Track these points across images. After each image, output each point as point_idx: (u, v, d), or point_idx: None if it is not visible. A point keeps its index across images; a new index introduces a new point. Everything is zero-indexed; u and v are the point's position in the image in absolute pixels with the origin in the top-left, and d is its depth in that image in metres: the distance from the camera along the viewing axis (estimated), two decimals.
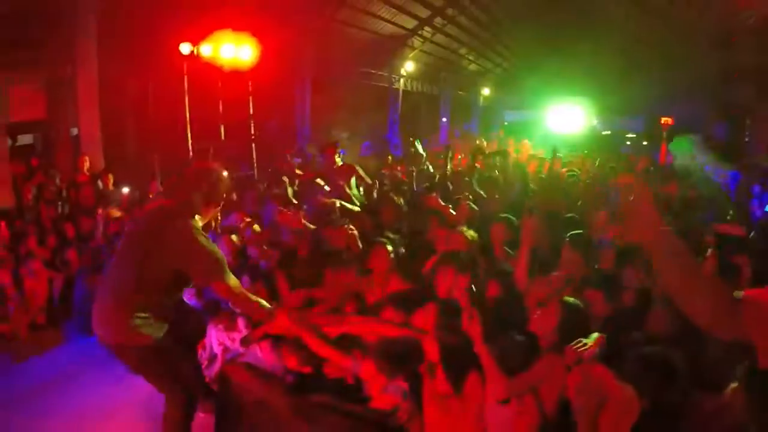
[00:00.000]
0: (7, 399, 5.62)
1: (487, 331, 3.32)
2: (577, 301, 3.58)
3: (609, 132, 25.07)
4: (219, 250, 3.71)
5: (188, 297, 5.30)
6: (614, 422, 2.81)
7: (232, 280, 3.68)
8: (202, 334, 5.66)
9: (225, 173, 3.97)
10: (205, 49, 11.22)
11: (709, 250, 4.45)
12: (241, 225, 6.57)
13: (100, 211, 8.83)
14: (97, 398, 5.47)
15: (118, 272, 3.62)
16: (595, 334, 3.18)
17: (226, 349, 5.44)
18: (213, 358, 5.68)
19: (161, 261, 3.51)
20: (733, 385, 2.92)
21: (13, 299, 7.45)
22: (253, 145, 13.97)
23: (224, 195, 3.95)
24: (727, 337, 1.91)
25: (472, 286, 3.98)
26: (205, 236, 3.66)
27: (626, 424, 2.80)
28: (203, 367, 5.37)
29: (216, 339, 5.47)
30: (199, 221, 3.73)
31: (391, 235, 5.20)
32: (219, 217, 4.82)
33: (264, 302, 3.88)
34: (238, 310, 4.35)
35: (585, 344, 3.06)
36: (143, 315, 3.52)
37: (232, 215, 6.78)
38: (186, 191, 3.77)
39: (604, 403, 2.84)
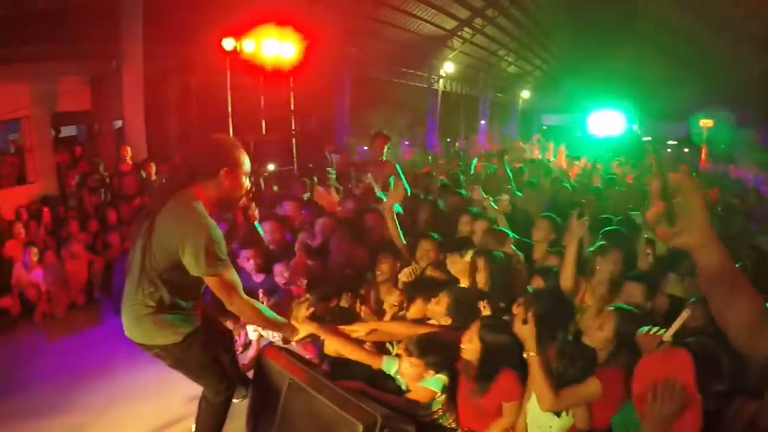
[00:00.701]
0: (43, 375, 5.76)
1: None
2: (633, 309, 3.47)
3: (649, 138, 24.62)
4: (221, 238, 3.22)
5: None
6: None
7: (233, 277, 3.28)
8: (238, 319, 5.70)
9: (231, 145, 3.41)
10: (248, 45, 11.33)
11: None
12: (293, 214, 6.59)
13: (139, 200, 9.01)
14: (132, 379, 5.54)
15: (132, 270, 3.33)
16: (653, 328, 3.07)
17: (261, 336, 5.49)
18: (247, 344, 5.75)
19: (163, 252, 3.16)
20: None
21: (54, 280, 7.63)
22: (294, 140, 14.06)
23: (219, 165, 3.29)
24: (764, 353, 1.76)
25: (528, 286, 3.91)
26: (205, 217, 3.17)
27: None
28: (238, 353, 5.42)
29: (251, 325, 5.51)
30: (201, 206, 3.22)
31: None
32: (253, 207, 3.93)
33: (270, 312, 3.62)
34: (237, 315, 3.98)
35: (659, 330, 2.91)
36: (167, 313, 3.34)
37: (285, 204, 6.79)
38: (182, 165, 3.38)
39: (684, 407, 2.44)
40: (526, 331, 3.16)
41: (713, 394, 2.77)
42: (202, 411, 3.82)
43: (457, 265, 4.61)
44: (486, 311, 3.88)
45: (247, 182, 3.49)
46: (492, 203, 6.07)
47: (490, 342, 3.37)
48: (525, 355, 3.18)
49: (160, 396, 5.17)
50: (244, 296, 3.36)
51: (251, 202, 3.85)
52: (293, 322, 3.78)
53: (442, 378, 3.50)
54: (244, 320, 4.42)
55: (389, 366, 3.70)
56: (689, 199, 1.65)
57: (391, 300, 4.70)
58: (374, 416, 3.08)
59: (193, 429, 4.01)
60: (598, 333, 3.32)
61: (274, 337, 5.21)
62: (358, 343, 3.90)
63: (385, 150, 7.18)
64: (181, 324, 3.40)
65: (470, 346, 3.45)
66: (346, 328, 3.97)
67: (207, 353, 3.60)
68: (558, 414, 3.19)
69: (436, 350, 3.49)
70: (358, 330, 3.95)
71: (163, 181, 3.45)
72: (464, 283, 4.49)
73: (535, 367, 3.13)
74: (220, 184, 3.32)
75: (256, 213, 3.95)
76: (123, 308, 3.42)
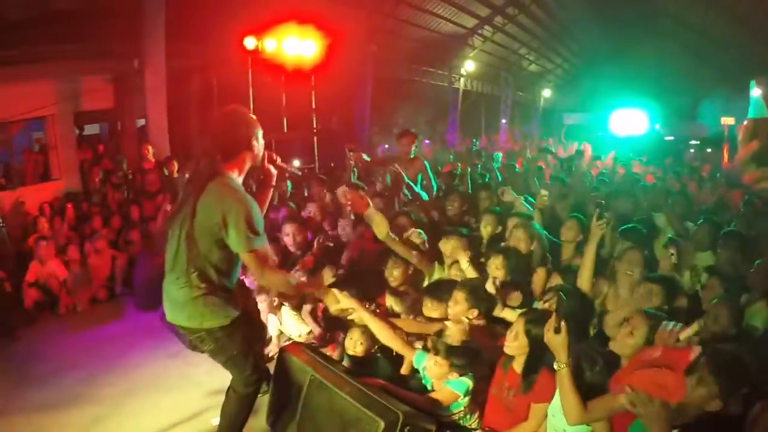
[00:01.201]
0: (63, 366, 5.82)
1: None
2: (663, 314, 3.42)
3: (672, 138, 24.33)
4: (259, 213, 3.39)
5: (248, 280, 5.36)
6: None
7: (267, 251, 3.42)
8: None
9: (245, 114, 3.58)
10: (269, 44, 11.37)
11: None
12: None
13: (162, 197, 9.07)
14: (151, 373, 5.60)
15: (175, 257, 3.43)
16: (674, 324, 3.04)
17: (281, 333, 5.52)
18: (268, 340, 5.77)
19: (207, 233, 3.29)
20: None
21: (76, 273, 7.72)
22: (315, 138, 14.09)
23: (249, 136, 3.48)
24: None
25: (561, 292, 3.86)
26: (244, 193, 3.36)
27: None
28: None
29: (271, 322, 5.54)
30: (236, 177, 3.45)
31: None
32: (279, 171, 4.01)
33: (297, 279, 3.75)
34: (267, 286, 3.99)
35: (676, 325, 2.88)
36: (217, 295, 3.44)
37: (309, 206, 6.80)
38: (205, 150, 3.48)
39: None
40: (558, 341, 3.01)
41: (738, 398, 2.72)
42: (230, 401, 3.84)
43: (448, 245, 4.69)
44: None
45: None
46: (523, 202, 6.05)
47: (536, 336, 3.26)
48: (555, 366, 3.06)
49: (179, 390, 5.21)
50: (275, 268, 3.49)
51: (271, 152, 3.89)
52: (335, 291, 3.80)
53: (467, 381, 3.47)
54: (275, 291, 4.45)
55: (419, 359, 3.69)
56: None
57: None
58: (396, 413, 3.07)
59: (215, 422, 4.03)
60: (627, 339, 3.23)
61: (299, 336, 5.23)
62: (395, 330, 3.88)
63: (413, 148, 7.18)
64: (229, 307, 3.49)
65: (516, 343, 3.38)
66: (398, 321, 4.02)
67: (246, 341, 3.67)
68: None
69: (462, 353, 3.45)
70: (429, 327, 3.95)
71: (196, 168, 3.49)
72: (463, 260, 4.50)
73: (566, 379, 3.01)
74: (252, 152, 3.52)
75: (280, 161, 3.99)
76: (166, 295, 3.51)
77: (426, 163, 7.17)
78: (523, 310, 3.81)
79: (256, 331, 4.07)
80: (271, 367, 4.36)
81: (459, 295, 3.91)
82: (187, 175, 4.07)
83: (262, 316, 5.56)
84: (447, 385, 3.48)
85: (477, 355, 3.52)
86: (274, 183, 3.95)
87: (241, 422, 3.87)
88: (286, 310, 5.29)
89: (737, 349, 2.89)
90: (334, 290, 3.83)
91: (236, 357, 3.63)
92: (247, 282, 5.47)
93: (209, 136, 3.53)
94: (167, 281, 3.50)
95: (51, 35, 10.03)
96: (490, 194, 6.85)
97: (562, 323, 2.99)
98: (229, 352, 3.60)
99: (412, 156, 7.16)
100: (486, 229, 5.52)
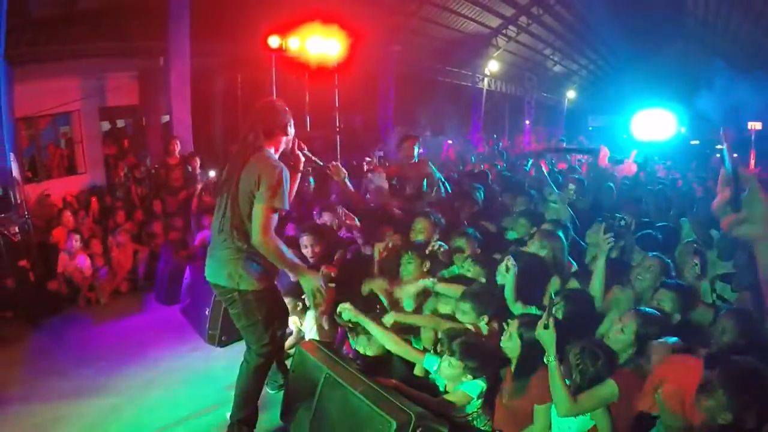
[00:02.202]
0: (83, 357, 5.90)
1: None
2: (654, 311, 3.46)
3: (698, 141, 23.97)
4: (288, 176, 3.81)
5: None
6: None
7: (275, 219, 3.76)
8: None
9: (284, 105, 4.08)
10: (293, 43, 11.41)
11: None
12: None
13: (185, 193, 9.15)
14: (170, 366, 5.67)
15: (222, 223, 3.84)
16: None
17: (299, 330, 5.53)
18: (288, 333, 5.77)
19: (247, 196, 3.70)
20: None
21: (100, 267, 7.84)
22: (338, 137, 14.12)
23: (285, 123, 4.01)
24: None
25: (552, 294, 3.89)
26: (278, 161, 3.83)
27: None
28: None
29: (290, 320, 5.55)
30: (273, 153, 3.91)
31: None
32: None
33: (294, 258, 3.97)
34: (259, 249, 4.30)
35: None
36: (256, 261, 3.80)
37: (324, 215, 6.81)
38: (250, 129, 3.90)
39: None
40: (546, 337, 3.17)
41: (753, 413, 2.68)
42: (242, 374, 4.05)
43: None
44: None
45: None
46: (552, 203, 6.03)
47: (528, 339, 3.36)
48: (545, 360, 3.18)
49: (196, 383, 5.27)
50: (276, 238, 3.77)
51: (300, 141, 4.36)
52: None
53: (481, 384, 3.49)
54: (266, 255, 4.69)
55: (430, 363, 3.70)
56: (754, 193, 1.69)
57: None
58: (408, 414, 3.09)
59: (228, 416, 4.09)
60: (618, 336, 3.31)
61: (311, 330, 5.25)
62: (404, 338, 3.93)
63: (415, 151, 7.13)
64: (264, 275, 3.89)
65: (510, 344, 3.46)
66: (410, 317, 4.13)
67: (271, 313, 3.98)
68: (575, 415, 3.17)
69: (477, 356, 3.47)
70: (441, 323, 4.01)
71: (243, 141, 3.91)
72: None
73: (555, 372, 3.13)
74: (287, 136, 4.05)
75: (306, 150, 4.44)
76: (210, 256, 3.96)
77: (433, 168, 7.11)
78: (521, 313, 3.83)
79: (281, 311, 4.25)
80: (288, 364, 4.41)
81: (465, 306, 3.94)
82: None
83: None
84: (460, 387, 3.50)
85: (492, 358, 3.53)
86: (302, 168, 4.41)
87: (254, 395, 4.06)
88: (311, 314, 5.29)
89: (755, 360, 2.84)
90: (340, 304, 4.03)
91: (258, 324, 3.91)
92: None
93: (255, 118, 3.96)
94: (213, 244, 3.96)
95: (78, 33, 10.22)
96: (524, 198, 6.82)
97: (551, 320, 3.17)
98: (253, 317, 3.90)
99: (416, 160, 7.13)
100: (522, 229, 5.55)
